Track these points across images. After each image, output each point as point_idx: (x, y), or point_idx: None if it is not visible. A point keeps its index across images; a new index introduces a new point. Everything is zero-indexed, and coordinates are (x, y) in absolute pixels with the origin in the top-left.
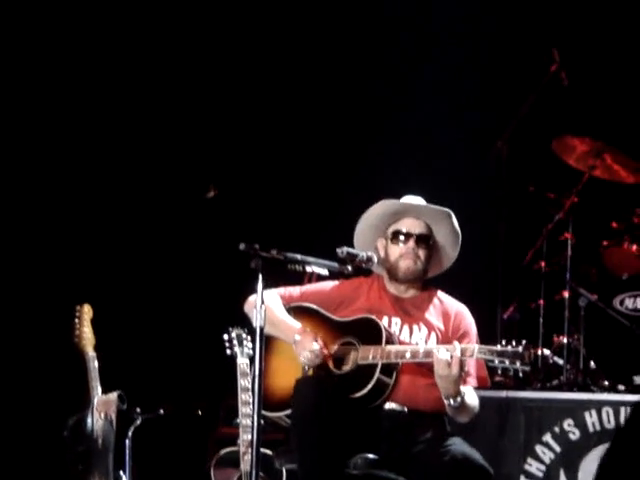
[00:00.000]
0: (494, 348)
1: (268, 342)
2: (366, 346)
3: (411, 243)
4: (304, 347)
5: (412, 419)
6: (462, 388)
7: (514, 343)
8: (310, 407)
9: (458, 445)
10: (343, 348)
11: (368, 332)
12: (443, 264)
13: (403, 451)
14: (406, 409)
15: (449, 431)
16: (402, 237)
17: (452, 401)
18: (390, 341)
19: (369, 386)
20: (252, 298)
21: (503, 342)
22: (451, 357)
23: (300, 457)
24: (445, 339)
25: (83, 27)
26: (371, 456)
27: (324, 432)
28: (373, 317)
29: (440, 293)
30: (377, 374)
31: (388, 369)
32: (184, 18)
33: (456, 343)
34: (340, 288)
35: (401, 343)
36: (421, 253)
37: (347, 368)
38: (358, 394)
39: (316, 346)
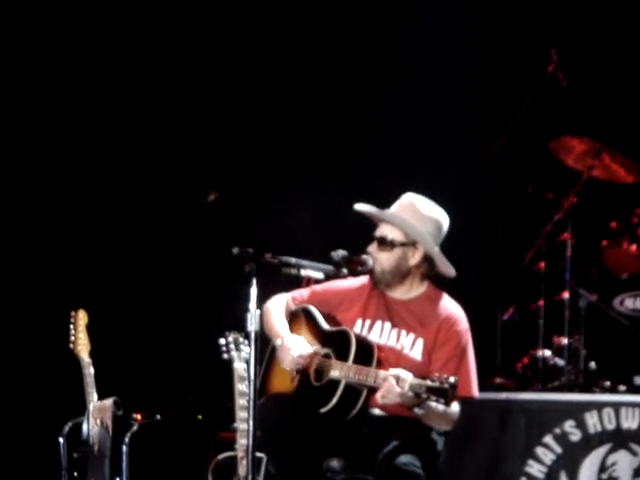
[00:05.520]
0: (425, 383)
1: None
2: (337, 361)
3: (372, 247)
4: (285, 354)
5: (390, 423)
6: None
7: (444, 380)
8: (272, 428)
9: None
10: (323, 360)
11: (343, 346)
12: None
13: (376, 453)
14: (385, 414)
15: (429, 433)
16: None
17: (416, 409)
18: (361, 356)
19: (334, 401)
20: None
21: (436, 376)
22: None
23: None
24: (430, 345)
25: (80, 28)
26: (335, 463)
27: (291, 450)
28: (349, 331)
29: (440, 296)
30: (340, 390)
31: (353, 386)
32: (188, 23)
33: (391, 371)
34: (346, 288)
35: (380, 348)
36: (380, 255)
37: (321, 382)
38: (325, 408)
39: (295, 352)
